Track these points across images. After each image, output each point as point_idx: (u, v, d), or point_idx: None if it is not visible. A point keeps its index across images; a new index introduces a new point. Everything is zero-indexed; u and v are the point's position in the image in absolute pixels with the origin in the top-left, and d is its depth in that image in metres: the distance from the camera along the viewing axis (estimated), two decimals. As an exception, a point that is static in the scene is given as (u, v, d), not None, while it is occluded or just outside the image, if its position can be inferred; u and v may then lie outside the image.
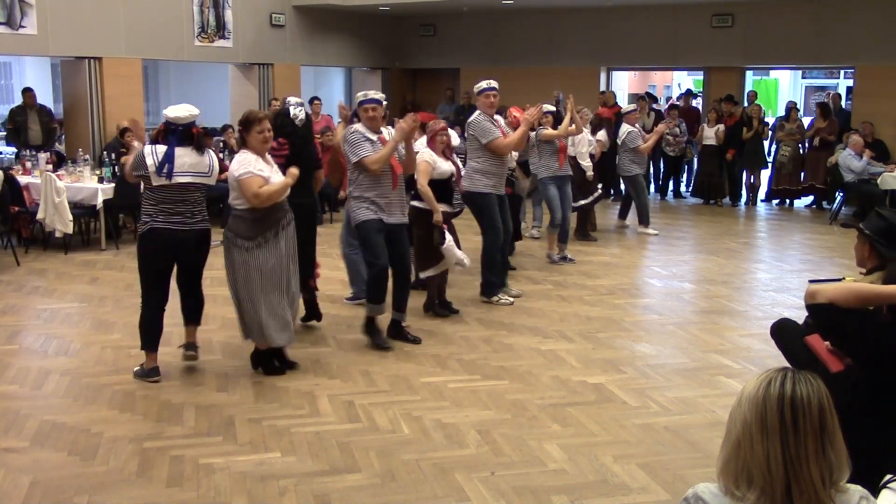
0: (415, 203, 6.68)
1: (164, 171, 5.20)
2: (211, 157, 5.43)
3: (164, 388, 5.31)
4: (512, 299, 7.38)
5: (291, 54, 15.18)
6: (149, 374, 5.42)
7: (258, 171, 5.25)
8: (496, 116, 7.29)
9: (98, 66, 12.34)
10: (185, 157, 5.28)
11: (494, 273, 7.37)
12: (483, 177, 7.17)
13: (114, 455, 4.33)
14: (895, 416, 2.87)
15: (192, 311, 5.65)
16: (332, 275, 8.08)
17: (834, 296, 2.86)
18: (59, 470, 4.17)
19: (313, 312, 6.63)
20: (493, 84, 7.24)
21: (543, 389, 5.35)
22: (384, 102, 6.22)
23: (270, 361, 5.59)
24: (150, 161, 5.21)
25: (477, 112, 7.23)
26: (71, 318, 6.91)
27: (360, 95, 6.13)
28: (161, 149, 5.25)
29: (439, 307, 6.98)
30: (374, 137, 5.94)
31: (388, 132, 6.10)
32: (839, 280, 3.31)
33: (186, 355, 5.65)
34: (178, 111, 5.32)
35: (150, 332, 5.43)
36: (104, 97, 12.36)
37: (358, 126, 6.01)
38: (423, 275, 6.96)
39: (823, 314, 2.91)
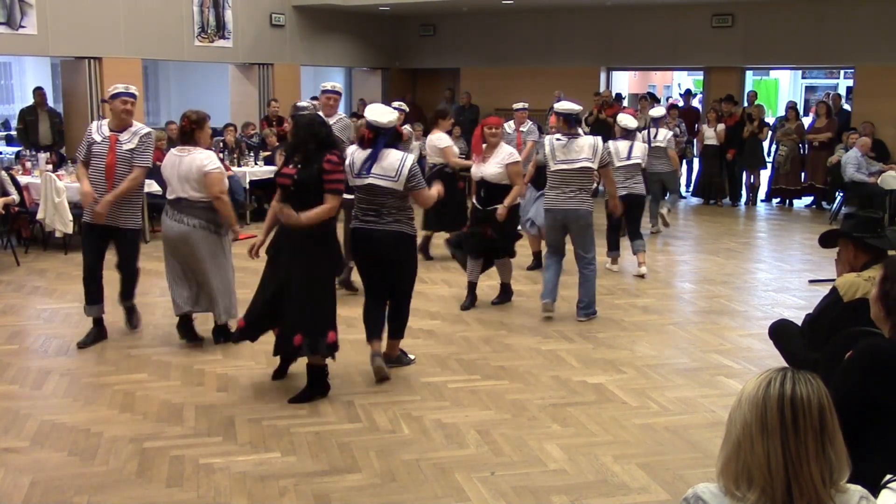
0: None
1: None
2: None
3: (163, 388, 5.31)
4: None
5: (291, 54, 15.18)
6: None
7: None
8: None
9: (98, 66, 12.35)
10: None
11: None
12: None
13: (114, 455, 4.33)
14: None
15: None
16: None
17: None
18: (59, 470, 4.17)
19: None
20: (329, 87, 7.64)
21: (543, 389, 5.35)
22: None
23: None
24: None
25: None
26: (71, 318, 6.90)
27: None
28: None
29: None
30: None
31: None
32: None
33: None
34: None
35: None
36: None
37: None
38: None
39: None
